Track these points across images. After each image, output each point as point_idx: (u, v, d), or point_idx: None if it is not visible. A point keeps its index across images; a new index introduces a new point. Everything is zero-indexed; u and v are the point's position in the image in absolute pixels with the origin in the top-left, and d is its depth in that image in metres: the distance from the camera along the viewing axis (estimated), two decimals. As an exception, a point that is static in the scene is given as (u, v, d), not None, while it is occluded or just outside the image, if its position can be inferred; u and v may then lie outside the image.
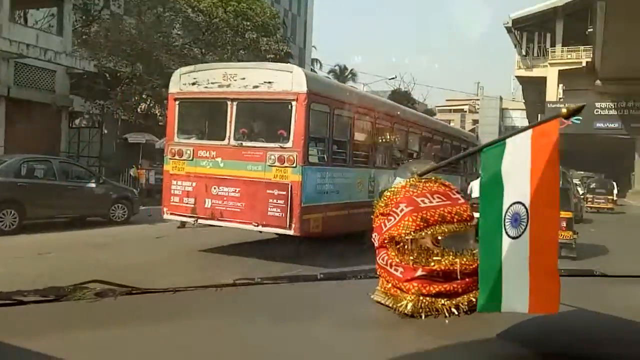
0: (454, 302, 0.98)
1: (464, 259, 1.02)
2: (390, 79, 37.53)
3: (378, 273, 1.05)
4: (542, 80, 37.18)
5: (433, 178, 1.11)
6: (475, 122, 59.55)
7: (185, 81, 6.67)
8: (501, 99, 56.01)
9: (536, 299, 0.79)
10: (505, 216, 0.84)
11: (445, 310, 0.98)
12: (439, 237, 1.05)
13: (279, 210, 5.88)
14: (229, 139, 6.29)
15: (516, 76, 36.66)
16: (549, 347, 0.84)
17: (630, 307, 1.13)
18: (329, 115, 6.50)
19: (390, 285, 1.02)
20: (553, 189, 0.79)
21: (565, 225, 7.40)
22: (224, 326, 0.94)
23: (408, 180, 1.09)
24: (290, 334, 0.90)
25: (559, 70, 34.66)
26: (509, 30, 37.48)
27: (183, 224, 6.95)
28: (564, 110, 0.80)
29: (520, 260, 0.81)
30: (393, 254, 1.02)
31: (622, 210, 20.83)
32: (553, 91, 36.37)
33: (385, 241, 1.04)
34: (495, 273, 0.85)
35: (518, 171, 0.82)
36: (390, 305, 0.99)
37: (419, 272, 0.99)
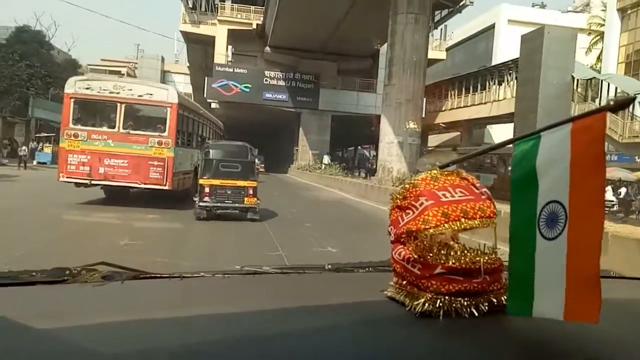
0: (473, 302, 0.99)
1: (486, 257, 1.03)
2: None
3: (393, 268, 1.05)
4: (210, 41, 36.39)
5: (455, 171, 1.10)
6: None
7: (80, 86, 10.72)
8: (163, 59, 50.10)
9: (573, 305, 0.79)
10: (540, 216, 0.85)
11: (464, 310, 0.98)
12: (457, 234, 1.05)
13: (158, 174, 10.42)
14: (118, 128, 10.57)
15: (181, 32, 32.56)
16: (567, 353, 0.90)
17: None
18: (183, 117, 11.54)
19: (406, 282, 1.03)
20: (599, 190, 0.78)
21: (252, 192, 9.52)
22: (228, 314, 0.99)
23: (429, 172, 1.08)
24: (298, 326, 0.94)
25: (229, 30, 31.44)
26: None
27: (79, 185, 10.59)
28: (612, 103, 0.78)
29: (556, 263, 0.81)
30: (411, 249, 1.03)
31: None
32: (222, 53, 35.94)
33: (403, 236, 1.04)
34: (528, 275, 0.86)
35: (555, 168, 0.82)
36: (406, 302, 1.00)
37: (438, 270, 0.99)
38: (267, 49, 33.79)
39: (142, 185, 10.72)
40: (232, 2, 34.82)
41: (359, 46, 32.17)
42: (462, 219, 1.01)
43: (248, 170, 9.72)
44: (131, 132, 10.71)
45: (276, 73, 33.80)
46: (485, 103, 32.08)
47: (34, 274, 1.14)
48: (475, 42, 45.27)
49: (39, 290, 1.09)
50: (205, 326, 0.93)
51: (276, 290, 1.25)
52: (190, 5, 35.02)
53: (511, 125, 28.06)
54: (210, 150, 9.74)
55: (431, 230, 1.01)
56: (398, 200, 1.07)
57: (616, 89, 25.03)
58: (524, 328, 0.96)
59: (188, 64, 46.79)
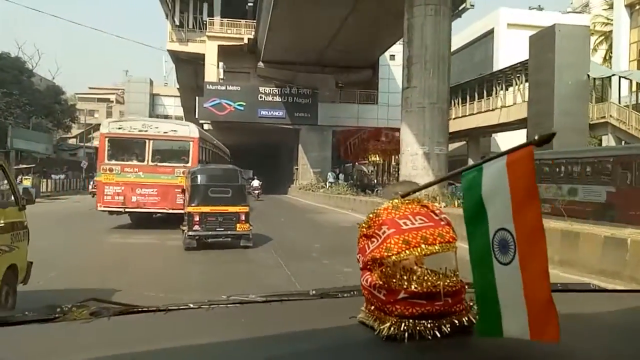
0: (436, 324, 1.07)
1: (447, 281, 1.10)
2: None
3: (363, 294, 1.14)
4: (200, 59, 35.80)
5: (416, 199, 1.19)
6: (123, 113, 55.55)
7: (113, 126, 13.08)
8: (151, 82, 48.74)
9: (536, 325, 0.87)
10: (492, 242, 0.94)
11: (427, 332, 1.06)
12: (422, 259, 1.14)
13: (184, 200, 10.60)
14: (147, 161, 12.50)
15: (169, 51, 30.73)
16: None
17: (626, 322, 1.24)
18: (203, 149, 13.70)
19: (374, 307, 1.11)
20: (536, 217, 0.87)
21: (244, 218, 9.28)
22: (212, 346, 1.07)
23: (390, 201, 1.17)
24: (275, 353, 1.03)
25: (219, 46, 30.27)
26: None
27: (112, 213, 12.62)
28: (536, 137, 0.88)
29: (515, 286, 0.89)
30: (376, 276, 1.11)
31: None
32: (212, 70, 35.51)
33: (369, 263, 1.13)
34: (492, 298, 0.94)
35: (498, 197, 0.92)
36: (374, 326, 1.09)
37: (402, 295, 1.07)
38: (261, 64, 32.54)
39: (170, 211, 12.30)
40: (221, 17, 33.81)
41: (358, 57, 31.11)
42: (423, 245, 1.09)
43: (239, 195, 9.48)
44: (159, 164, 12.65)
45: (271, 89, 32.57)
46: (493, 110, 31.33)
47: (26, 313, 1.24)
48: (473, 49, 44.75)
49: (30, 330, 1.17)
50: (186, 358, 1.00)
51: (260, 319, 1.33)
52: (177, 23, 33.72)
53: (520, 132, 27.72)
54: (198, 176, 9.52)
55: (393, 257, 1.08)
56: (364, 229, 1.16)
57: (637, 84, 23.58)
58: (487, 348, 1.04)
59: (177, 86, 45.31)
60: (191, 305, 1.36)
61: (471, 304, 1.12)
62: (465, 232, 1.01)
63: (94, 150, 51.37)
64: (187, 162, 12.60)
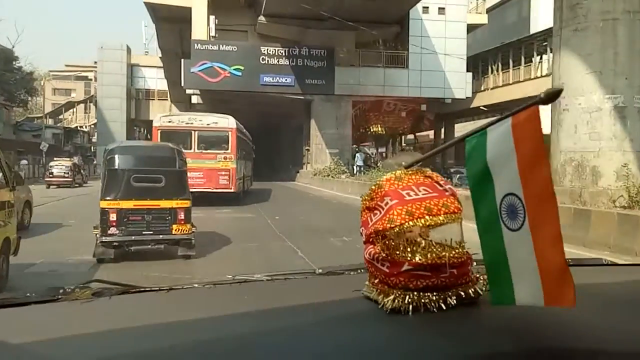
0: (442, 296, 1.12)
1: (453, 252, 1.15)
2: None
3: (366, 267, 1.22)
4: (185, 15, 29.84)
5: (419, 170, 1.24)
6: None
7: (164, 120, 16.75)
8: (129, 50, 42.08)
9: (551, 292, 0.90)
10: (500, 208, 0.98)
11: (432, 304, 1.11)
12: (426, 230, 1.20)
13: (226, 181, 16.19)
14: (194, 149, 15.88)
15: (147, 4, 24.19)
16: (539, 342, 0.99)
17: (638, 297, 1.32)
18: (239, 137, 17.32)
19: (377, 280, 1.17)
20: (546, 179, 0.90)
21: (183, 217, 7.59)
22: (215, 323, 1.14)
23: (393, 172, 1.22)
24: (279, 329, 1.08)
25: None
26: None
27: None
28: (542, 95, 0.88)
29: (526, 253, 0.93)
30: (379, 248, 1.16)
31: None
32: (201, 27, 29.59)
33: (372, 236, 1.18)
34: (503, 266, 0.99)
35: (504, 162, 0.95)
36: (378, 300, 1.14)
37: (405, 267, 1.12)
38: (262, 18, 26.87)
39: (215, 190, 16.01)
40: (211, -40, 27.21)
41: (383, 8, 24.70)
42: (427, 216, 1.12)
43: (176, 184, 7.64)
44: (203, 151, 16.20)
45: (276, 49, 26.98)
46: (548, 75, 27.31)
47: (28, 294, 1.33)
48: (504, 9, 38.83)
49: (33, 310, 1.26)
50: (189, 335, 1.05)
51: (264, 296, 1.39)
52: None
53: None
54: (116, 157, 7.60)
55: (397, 229, 1.12)
56: (367, 202, 1.20)
57: None
58: (494, 319, 1.09)
59: (160, 54, 38.81)
60: (195, 285, 1.46)
61: (477, 275, 1.18)
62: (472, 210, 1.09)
63: (62, 131, 45.06)
64: (227, 149, 16.45)
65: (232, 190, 16.46)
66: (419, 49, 30.48)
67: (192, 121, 16.33)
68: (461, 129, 41.07)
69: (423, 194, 1.13)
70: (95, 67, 56.10)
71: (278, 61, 28.82)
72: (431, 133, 41.74)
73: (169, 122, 16.62)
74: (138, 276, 5.91)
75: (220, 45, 28.29)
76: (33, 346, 0.98)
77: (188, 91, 30.04)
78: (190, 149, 15.58)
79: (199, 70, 27.73)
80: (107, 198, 7.35)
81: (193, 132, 16.14)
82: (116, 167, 7.50)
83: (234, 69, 28.10)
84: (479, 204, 1.02)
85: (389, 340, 1.01)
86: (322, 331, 1.05)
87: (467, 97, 31.67)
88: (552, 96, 0.87)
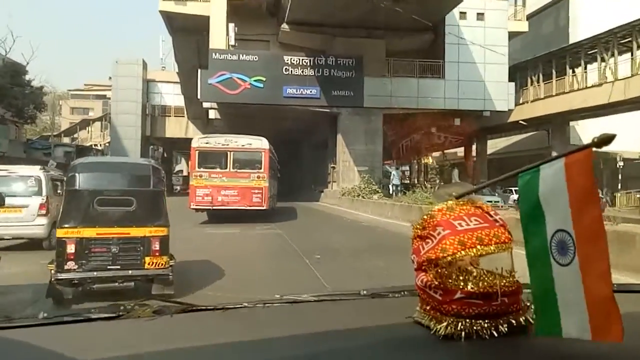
0: (493, 323, 1.17)
1: (504, 281, 1.21)
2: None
3: (418, 294, 1.28)
4: (203, 25, 27.93)
5: (470, 200, 1.30)
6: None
7: (202, 142, 17.53)
8: (145, 65, 40.59)
9: (598, 326, 0.94)
10: (550, 243, 1.04)
11: (484, 331, 1.15)
12: (477, 259, 1.27)
13: (258, 199, 16.94)
14: (229, 168, 17.11)
15: (163, 14, 23.01)
16: None
17: None
18: (270, 158, 18.28)
19: (429, 307, 1.22)
20: (597, 218, 0.95)
21: (158, 247, 6.32)
22: (267, 344, 1.20)
23: (445, 203, 1.28)
24: (331, 352, 1.13)
25: (230, 4, 20.90)
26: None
27: (197, 210, 17.73)
28: (596, 139, 0.95)
29: (575, 287, 0.98)
30: (432, 276, 1.21)
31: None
32: (220, 36, 27.60)
33: (424, 264, 1.23)
34: (550, 298, 1.04)
35: (556, 199, 1.01)
36: (430, 326, 1.19)
37: (458, 295, 1.17)
38: (285, 26, 24.87)
39: (248, 208, 16.92)
40: (230, -36, 25.75)
41: (416, 14, 23.14)
42: (478, 246, 1.18)
43: (150, 208, 6.43)
44: (238, 170, 17.02)
45: (301, 59, 25.27)
46: (600, 85, 25.46)
47: (92, 310, 1.43)
48: (540, 18, 36.89)
49: (96, 327, 1.34)
50: (242, 355, 1.15)
51: (313, 317, 1.49)
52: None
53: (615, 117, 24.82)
54: (77, 175, 6.35)
55: (449, 258, 1.18)
56: (418, 231, 1.27)
57: None
58: (544, 348, 1.12)
59: (176, 69, 37.36)
60: (246, 305, 1.54)
61: (528, 304, 1.21)
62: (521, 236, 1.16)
63: (74, 149, 43.87)
64: (260, 168, 17.34)
65: (264, 208, 17.50)
66: (455, 57, 29.52)
67: (228, 142, 17.40)
68: (492, 145, 38.62)
69: (474, 225, 1.21)
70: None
71: (302, 72, 27.66)
72: (459, 150, 39.26)
73: (207, 143, 17.59)
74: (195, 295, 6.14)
75: (240, 55, 27.30)
76: None
77: (205, 105, 28.48)
78: (226, 168, 17.24)
79: (217, 82, 26.37)
80: (65, 225, 6.19)
81: (229, 152, 17.22)
82: (77, 187, 6.32)
83: (255, 80, 26.77)
84: (530, 238, 1.09)
85: None
86: (375, 356, 1.11)
87: (509, 110, 29.53)
88: (605, 140, 0.94)
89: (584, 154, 0.93)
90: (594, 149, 0.92)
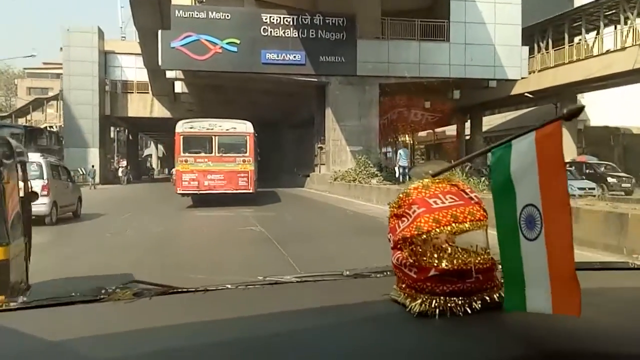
0: (467, 301, 1.21)
1: (478, 258, 1.24)
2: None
3: (394, 272, 1.36)
4: None
5: (446, 178, 1.33)
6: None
7: (186, 127, 18.12)
8: (101, 33, 35.90)
9: (559, 300, 0.98)
10: (520, 218, 1.07)
11: (458, 308, 1.19)
12: (452, 237, 1.31)
13: (245, 182, 18.10)
14: (214, 153, 18.21)
15: None
16: (562, 346, 1.06)
17: None
18: (255, 141, 19.20)
19: (405, 285, 1.28)
20: (563, 192, 0.98)
21: None
22: (247, 323, 1.24)
23: (420, 181, 1.31)
24: (307, 329, 1.18)
25: None
26: None
27: (186, 195, 19.44)
28: (565, 112, 0.98)
29: (540, 262, 1.02)
30: (407, 254, 1.25)
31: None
32: None
33: (399, 242, 1.27)
34: (518, 274, 1.09)
35: (526, 173, 1.04)
36: (406, 303, 1.24)
37: (432, 272, 1.21)
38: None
39: (235, 191, 17.78)
40: None
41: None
42: (453, 224, 1.20)
43: None
44: (224, 155, 17.64)
45: (282, 17, 20.57)
46: (623, 49, 22.36)
47: (73, 294, 1.48)
48: None
49: (78, 310, 1.39)
50: (223, 334, 1.17)
51: (294, 297, 1.54)
52: None
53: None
54: None
55: (424, 236, 1.21)
56: (394, 209, 1.30)
57: None
58: (517, 323, 1.16)
59: (137, 37, 33.01)
60: (228, 286, 1.57)
61: (502, 281, 1.26)
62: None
63: (23, 130, 39.04)
64: (245, 152, 18.08)
65: (250, 191, 18.25)
66: (462, 17, 26.44)
67: (213, 127, 17.94)
68: (487, 123, 35.47)
69: (450, 202, 1.22)
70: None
71: (284, 33, 24.33)
72: (448, 129, 35.75)
73: (191, 128, 18.09)
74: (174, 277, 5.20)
75: (209, 13, 23.72)
76: (78, 345, 1.08)
77: (168, 74, 25.24)
78: (211, 152, 17.95)
79: (182, 45, 22.81)
80: None
81: (214, 137, 17.89)
82: None
83: (227, 43, 23.30)
84: (500, 214, 1.12)
85: (415, 342, 1.10)
86: (351, 332, 1.15)
87: (521, 78, 26.23)
88: (574, 113, 0.97)
89: (553, 127, 0.95)
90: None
